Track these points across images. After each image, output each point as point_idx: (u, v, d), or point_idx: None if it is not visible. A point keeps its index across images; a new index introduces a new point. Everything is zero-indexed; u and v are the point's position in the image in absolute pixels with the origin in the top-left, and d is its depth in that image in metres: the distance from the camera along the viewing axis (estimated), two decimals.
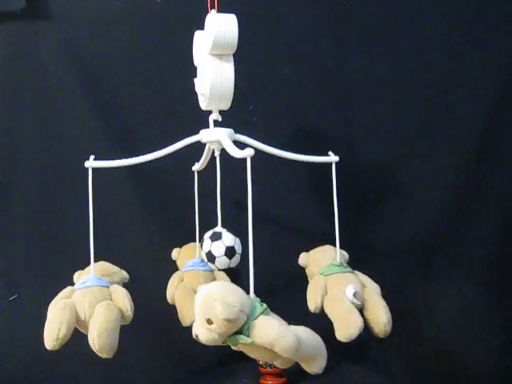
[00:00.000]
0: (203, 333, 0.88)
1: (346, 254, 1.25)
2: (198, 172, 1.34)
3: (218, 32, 0.99)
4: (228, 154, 1.03)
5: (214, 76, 1.03)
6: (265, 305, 0.91)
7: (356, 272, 1.19)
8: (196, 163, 1.32)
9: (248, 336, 0.87)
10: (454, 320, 1.50)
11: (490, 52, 1.49)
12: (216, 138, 1.08)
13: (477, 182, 1.50)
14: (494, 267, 1.50)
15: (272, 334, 0.87)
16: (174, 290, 1.30)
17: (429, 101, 1.51)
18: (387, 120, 1.51)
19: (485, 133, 1.49)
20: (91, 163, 1.09)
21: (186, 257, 1.37)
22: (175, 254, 1.41)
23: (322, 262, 1.20)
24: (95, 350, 0.98)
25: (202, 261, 1.30)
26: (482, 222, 1.50)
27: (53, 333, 0.98)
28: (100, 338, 0.97)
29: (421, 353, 1.48)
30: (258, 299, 0.92)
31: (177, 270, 1.39)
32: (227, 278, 1.34)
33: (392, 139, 1.51)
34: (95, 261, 1.11)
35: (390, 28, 1.51)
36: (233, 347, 0.93)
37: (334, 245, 1.20)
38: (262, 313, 0.89)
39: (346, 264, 1.20)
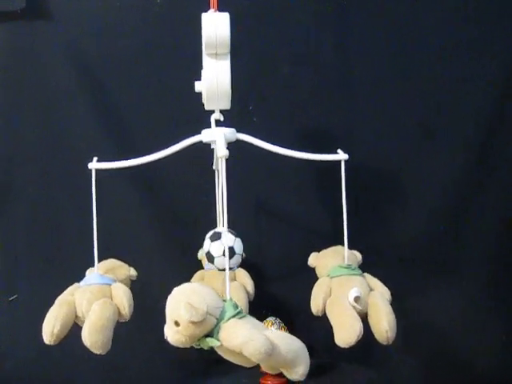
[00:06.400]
0: (171, 335, 0.87)
1: (358, 256, 1.20)
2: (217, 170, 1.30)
3: (208, 31, 0.99)
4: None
5: (209, 75, 1.03)
6: (239, 308, 0.90)
7: (366, 275, 1.15)
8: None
9: (218, 339, 0.86)
10: (453, 320, 1.50)
11: (494, 52, 1.49)
12: (214, 138, 1.07)
13: (477, 183, 1.50)
14: (494, 267, 1.50)
15: (240, 337, 0.85)
16: None
17: (431, 102, 1.51)
18: (388, 121, 1.51)
19: (486, 134, 1.49)
20: (94, 165, 1.09)
21: None
22: (200, 253, 1.38)
23: (330, 263, 1.16)
24: (87, 346, 1.01)
25: None
26: (482, 222, 1.50)
27: (48, 329, 1.01)
28: (91, 335, 1.00)
29: (420, 353, 1.48)
30: (233, 302, 0.91)
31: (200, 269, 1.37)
32: (248, 276, 1.31)
33: (393, 140, 1.51)
34: (101, 259, 1.13)
35: (390, 27, 1.51)
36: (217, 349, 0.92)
37: (342, 245, 1.17)
38: (233, 316, 0.88)
39: (355, 266, 1.15)
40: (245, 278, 1.31)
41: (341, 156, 1.14)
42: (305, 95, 1.52)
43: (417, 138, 1.52)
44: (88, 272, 1.18)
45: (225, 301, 0.91)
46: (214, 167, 1.32)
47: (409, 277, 1.50)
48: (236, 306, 0.90)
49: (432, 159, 1.51)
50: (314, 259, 1.22)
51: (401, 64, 1.51)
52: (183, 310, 0.83)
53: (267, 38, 1.50)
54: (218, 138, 1.04)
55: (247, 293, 1.28)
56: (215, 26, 0.99)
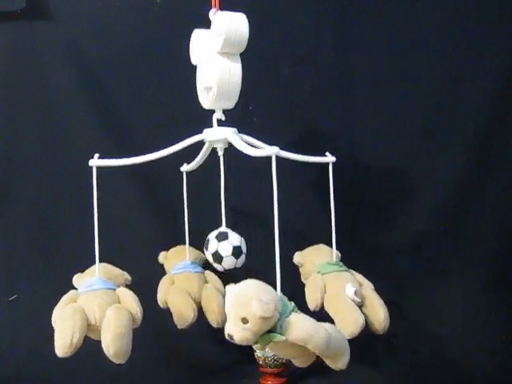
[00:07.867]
0: (238, 332, 0.84)
1: (338, 253, 1.24)
2: (186, 173, 1.33)
3: (229, 30, 1.00)
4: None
5: (221, 74, 1.03)
6: (293, 303, 0.91)
7: (351, 270, 1.20)
8: (185, 164, 1.31)
9: (281, 334, 0.86)
10: (453, 320, 1.50)
11: (494, 52, 1.49)
12: (221, 137, 1.07)
13: (477, 183, 1.50)
14: (494, 267, 1.50)
15: (306, 330, 0.86)
16: (165, 294, 1.28)
17: (431, 102, 1.51)
18: (388, 121, 1.51)
19: (486, 134, 1.49)
20: (95, 162, 1.09)
21: (174, 260, 1.35)
22: (162, 257, 1.38)
23: (318, 261, 1.21)
24: (109, 356, 0.95)
25: (193, 263, 1.32)
26: (482, 222, 1.50)
27: (66, 340, 0.93)
28: (114, 343, 0.94)
29: (421, 353, 1.48)
30: (286, 297, 0.91)
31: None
32: (218, 279, 1.33)
33: (393, 140, 1.51)
34: (100, 258, 1.09)
35: (390, 27, 1.51)
36: (256, 349, 0.91)
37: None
38: (292, 310, 0.89)
39: (341, 263, 1.21)
40: (217, 281, 1.32)
41: (328, 158, 1.18)
42: (305, 95, 1.52)
43: (417, 138, 1.52)
44: (76, 278, 1.14)
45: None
46: (181, 169, 1.32)
47: (409, 277, 1.50)
48: (290, 301, 0.91)
49: (432, 159, 1.51)
50: (299, 257, 1.26)
51: (401, 64, 1.51)
52: (256, 305, 0.82)
53: (267, 38, 1.50)
54: (233, 139, 1.04)
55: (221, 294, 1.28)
56: (236, 25, 1.00)
